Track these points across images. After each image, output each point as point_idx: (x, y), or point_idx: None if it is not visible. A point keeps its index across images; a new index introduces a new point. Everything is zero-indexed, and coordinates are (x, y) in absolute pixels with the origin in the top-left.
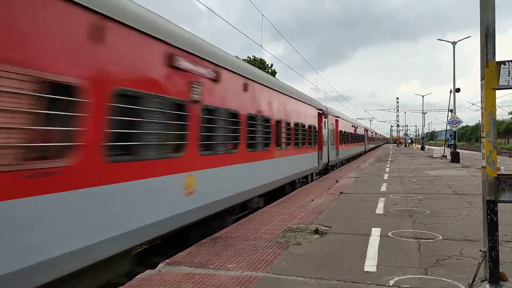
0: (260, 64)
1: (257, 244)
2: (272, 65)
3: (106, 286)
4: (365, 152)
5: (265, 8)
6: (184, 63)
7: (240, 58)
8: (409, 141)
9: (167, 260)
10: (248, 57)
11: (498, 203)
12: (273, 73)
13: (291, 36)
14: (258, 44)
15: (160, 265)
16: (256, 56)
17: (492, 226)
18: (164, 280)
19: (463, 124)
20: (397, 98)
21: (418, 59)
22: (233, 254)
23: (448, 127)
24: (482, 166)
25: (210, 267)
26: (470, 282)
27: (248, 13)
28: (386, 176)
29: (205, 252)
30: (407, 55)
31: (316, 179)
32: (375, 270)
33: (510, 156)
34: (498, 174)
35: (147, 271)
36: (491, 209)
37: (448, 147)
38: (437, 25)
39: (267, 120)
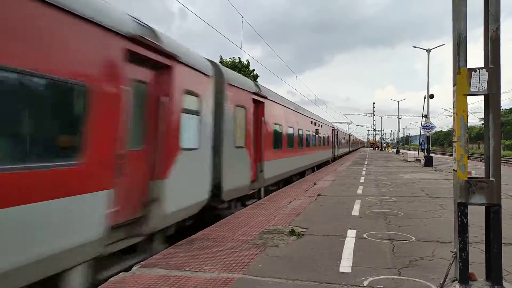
0: (242, 67)
1: (234, 245)
2: (254, 70)
3: None
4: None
5: (243, 11)
6: None
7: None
8: (384, 145)
9: (142, 262)
10: (230, 58)
11: (469, 206)
12: (255, 77)
13: (268, 40)
14: (238, 46)
15: (134, 268)
16: (238, 58)
17: (462, 228)
18: (138, 282)
19: (437, 129)
20: (374, 103)
21: (394, 65)
22: (209, 256)
23: (422, 132)
24: (454, 170)
25: (186, 269)
26: (441, 282)
27: (223, 16)
28: (362, 179)
29: (181, 254)
30: (383, 61)
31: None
32: (350, 271)
33: (481, 161)
34: (468, 178)
35: (121, 273)
36: (461, 211)
37: (421, 151)
38: (412, 33)
39: None
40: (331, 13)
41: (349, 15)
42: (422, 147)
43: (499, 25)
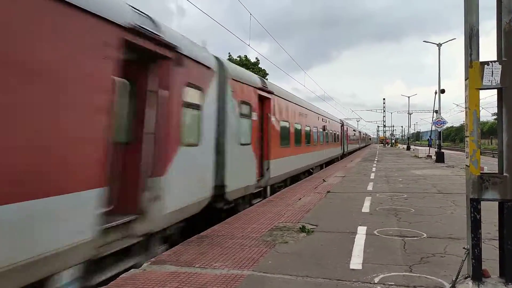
0: (250, 65)
1: (243, 242)
2: (258, 62)
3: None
4: None
5: (247, 8)
6: None
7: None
8: (393, 141)
9: (152, 259)
10: (238, 56)
11: (482, 202)
12: (264, 74)
13: (274, 36)
14: (246, 43)
15: (145, 264)
16: (245, 56)
17: (475, 224)
18: (148, 279)
19: (448, 124)
20: (384, 99)
21: (401, 60)
22: (219, 253)
23: (433, 128)
24: (466, 165)
25: (196, 265)
26: (453, 279)
27: (225, 15)
28: (372, 176)
29: (191, 251)
30: (389, 56)
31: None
32: (361, 268)
33: (493, 157)
34: (481, 173)
35: (131, 270)
36: (474, 207)
37: (429, 147)
38: (418, 28)
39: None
40: (334, 9)
41: (352, 11)
42: (429, 143)
43: None
